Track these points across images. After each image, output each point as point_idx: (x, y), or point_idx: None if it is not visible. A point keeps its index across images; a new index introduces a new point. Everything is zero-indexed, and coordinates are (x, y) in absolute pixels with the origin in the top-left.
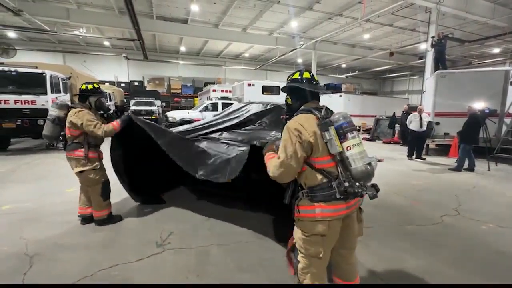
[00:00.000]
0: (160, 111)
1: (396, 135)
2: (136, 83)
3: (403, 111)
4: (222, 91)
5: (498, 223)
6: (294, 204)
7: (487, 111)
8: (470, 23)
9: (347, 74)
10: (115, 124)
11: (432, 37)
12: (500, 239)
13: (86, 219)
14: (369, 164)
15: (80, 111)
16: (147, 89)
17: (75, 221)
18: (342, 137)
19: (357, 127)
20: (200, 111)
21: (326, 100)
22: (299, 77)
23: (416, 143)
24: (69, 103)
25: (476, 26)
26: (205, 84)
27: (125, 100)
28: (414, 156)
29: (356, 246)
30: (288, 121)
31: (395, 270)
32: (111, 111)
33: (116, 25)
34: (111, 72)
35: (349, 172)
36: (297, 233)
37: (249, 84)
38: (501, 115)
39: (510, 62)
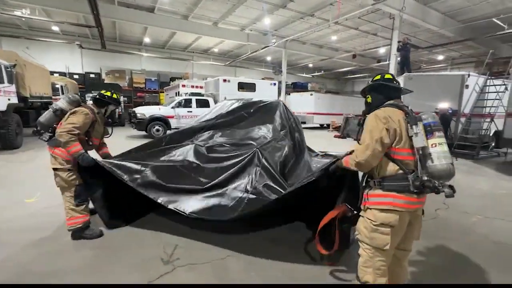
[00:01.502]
0: (123, 107)
1: None
2: (92, 75)
3: None
4: (193, 86)
5: (484, 214)
6: (363, 193)
7: (450, 111)
8: (423, 31)
9: (313, 74)
10: (75, 150)
11: (399, 42)
12: (492, 230)
13: (77, 232)
14: (452, 163)
15: (79, 111)
16: (105, 82)
17: (53, 238)
18: (429, 134)
19: (326, 125)
20: (172, 107)
21: (297, 98)
22: (381, 78)
23: None
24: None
25: (427, 34)
26: (172, 79)
27: (79, 94)
28: None
29: (411, 250)
30: (375, 111)
31: (416, 269)
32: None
33: (69, 8)
34: (61, 61)
35: (427, 168)
36: (363, 223)
37: (225, 80)
38: (458, 115)
39: (451, 68)
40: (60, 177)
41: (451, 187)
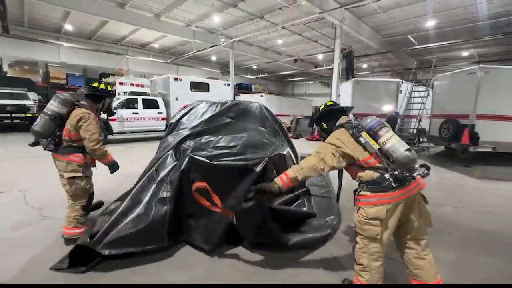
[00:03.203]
0: (37, 108)
1: (316, 133)
2: None
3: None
4: (132, 84)
5: (451, 204)
6: (355, 195)
7: (395, 113)
8: (354, 42)
9: (257, 76)
10: (110, 158)
11: (344, 49)
12: (465, 218)
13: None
14: (409, 149)
15: (88, 118)
16: (8, 75)
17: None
18: (375, 136)
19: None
20: (114, 108)
21: (248, 99)
22: (325, 106)
23: None
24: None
25: (357, 45)
26: (102, 76)
27: None
28: None
29: (426, 239)
30: (327, 139)
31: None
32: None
33: None
34: None
35: (394, 162)
36: (357, 218)
37: (176, 79)
38: (392, 116)
39: (372, 75)
40: (77, 185)
41: (423, 166)
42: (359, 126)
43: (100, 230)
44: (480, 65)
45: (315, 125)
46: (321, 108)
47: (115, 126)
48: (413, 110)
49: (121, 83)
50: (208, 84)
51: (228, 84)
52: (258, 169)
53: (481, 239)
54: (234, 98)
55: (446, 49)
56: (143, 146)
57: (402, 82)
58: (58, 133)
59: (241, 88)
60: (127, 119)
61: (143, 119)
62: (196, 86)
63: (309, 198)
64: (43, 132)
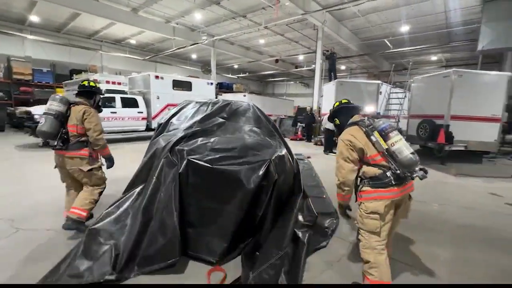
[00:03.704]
0: None
1: (299, 133)
2: None
3: (306, 112)
4: (108, 82)
5: (436, 202)
6: (358, 191)
7: (378, 114)
8: (334, 44)
9: (238, 75)
10: (109, 151)
11: (327, 51)
12: (452, 215)
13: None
14: (413, 153)
15: (90, 111)
16: None
17: None
18: (385, 137)
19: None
20: None
21: (231, 98)
22: (340, 104)
23: (330, 140)
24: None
25: (337, 47)
26: (73, 72)
27: None
28: (328, 152)
29: (396, 228)
30: (341, 136)
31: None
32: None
33: None
34: None
35: (398, 163)
36: (358, 213)
37: (157, 77)
38: (374, 117)
39: (350, 76)
40: (96, 175)
41: (422, 169)
42: (371, 126)
43: (122, 253)
44: (454, 69)
45: (330, 121)
46: (335, 105)
47: None
48: (391, 110)
49: (95, 81)
50: (190, 83)
51: (211, 83)
52: (260, 172)
53: (471, 235)
54: (216, 98)
55: (417, 53)
56: (122, 148)
57: (381, 84)
58: (64, 130)
59: (222, 88)
60: (104, 118)
61: (122, 119)
62: (178, 85)
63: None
64: (51, 132)
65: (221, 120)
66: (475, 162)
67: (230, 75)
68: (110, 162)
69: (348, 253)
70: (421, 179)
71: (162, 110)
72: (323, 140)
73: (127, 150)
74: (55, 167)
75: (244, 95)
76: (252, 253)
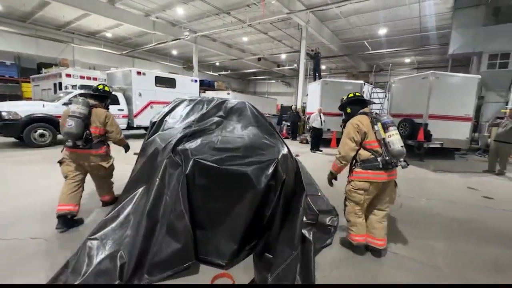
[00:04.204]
0: None
1: (284, 131)
2: None
3: (292, 111)
4: (83, 77)
5: (425, 196)
6: (351, 170)
7: None
8: (316, 44)
9: (220, 73)
10: (126, 142)
11: (312, 51)
12: (440, 209)
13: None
14: (403, 146)
15: (111, 115)
16: None
17: None
18: (386, 129)
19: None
20: (65, 104)
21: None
22: (353, 95)
23: (318, 138)
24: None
25: (319, 47)
26: (42, 66)
27: None
28: (315, 150)
29: (386, 211)
30: (350, 120)
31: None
32: None
33: None
34: None
35: (389, 151)
36: (348, 187)
37: (139, 73)
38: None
39: (329, 76)
40: (111, 168)
41: (405, 161)
42: (376, 118)
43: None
44: (432, 71)
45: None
46: (349, 95)
47: None
48: (372, 110)
49: (68, 75)
50: (174, 79)
51: (196, 81)
52: (269, 171)
53: (461, 227)
54: (199, 95)
55: (393, 55)
56: None
57: (364, 84)
58: (88, 131)
59: (203, 85)
60: None
61: None
62: (162, 82)
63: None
64: (78, 133)
65: (218, 119)
66: (449, 159)
67: (211, 73)
68: (127, 147)
69: (333, 243)
70: (403, 167)
71: (144, 108)
72: (308, 138)
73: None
74: (60, 162)
75: (228, 93)
76: (261, 254)
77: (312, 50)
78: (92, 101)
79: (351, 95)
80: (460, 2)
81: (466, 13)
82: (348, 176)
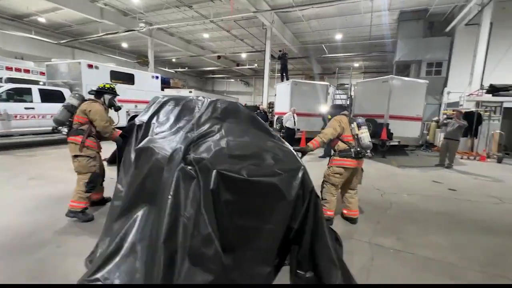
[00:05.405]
0: None
1: None
2: None
3: (259, 111)
4: (9, 68)
5: (404, 192)
6: (330, 158)
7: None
8: (278, 45)
9: (176, 69)
10: (118, 138)
11: (279, 51)
12: (423, 203)
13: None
14: (370, 141)
15: (93, 101)
16: None
17: None
18: (359, 127)
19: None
20: None
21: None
22: (335, 105)
23: (291, 138)
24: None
25: (279, 48)
26: None
27: None
28: None
29: (356, 189)
30: (334, 117)
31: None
32: (120, 109)
33: None
34: None
35: (360, 144)
36: (327, 171)
37: (91, 66)
38: (325, 116)
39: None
40: (79, 163)
41: (371, 152)
42: (353, 119)
43: None
44: (391, 75)
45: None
46: (331, 105)
47: None
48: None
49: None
50: (133, 75)
51: (157, 77)
52: (298, 180)
53: (452, 219)
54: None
55: (345, 59)
56: (43, 154)
57: (330, 85)
58: (70, 120)
59: (163, 82)
60: (16, 116)
61: (42, 116)
62: (118, 77)
63: None
64: (62, 120)
65: (217, 121)
66: (402, 155)
67: (166, 69)
68: (119, 142)
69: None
70: (369, 158)
71: None
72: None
73: (53, 157)
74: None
75: (190, 91)
76: (295, 274)
77: (280, 51)
78: (90, 96)
79: (336, 103)
80: (404, 15)
81: (409, 25)
82: (328, 164)
